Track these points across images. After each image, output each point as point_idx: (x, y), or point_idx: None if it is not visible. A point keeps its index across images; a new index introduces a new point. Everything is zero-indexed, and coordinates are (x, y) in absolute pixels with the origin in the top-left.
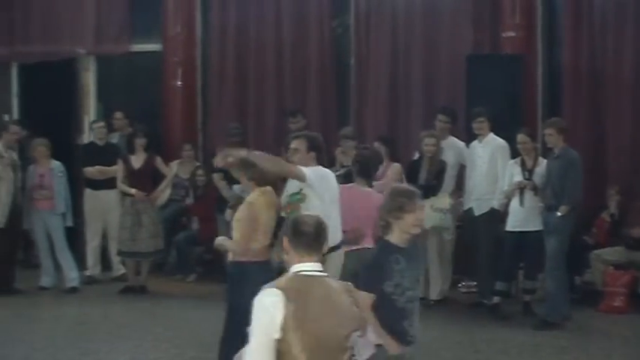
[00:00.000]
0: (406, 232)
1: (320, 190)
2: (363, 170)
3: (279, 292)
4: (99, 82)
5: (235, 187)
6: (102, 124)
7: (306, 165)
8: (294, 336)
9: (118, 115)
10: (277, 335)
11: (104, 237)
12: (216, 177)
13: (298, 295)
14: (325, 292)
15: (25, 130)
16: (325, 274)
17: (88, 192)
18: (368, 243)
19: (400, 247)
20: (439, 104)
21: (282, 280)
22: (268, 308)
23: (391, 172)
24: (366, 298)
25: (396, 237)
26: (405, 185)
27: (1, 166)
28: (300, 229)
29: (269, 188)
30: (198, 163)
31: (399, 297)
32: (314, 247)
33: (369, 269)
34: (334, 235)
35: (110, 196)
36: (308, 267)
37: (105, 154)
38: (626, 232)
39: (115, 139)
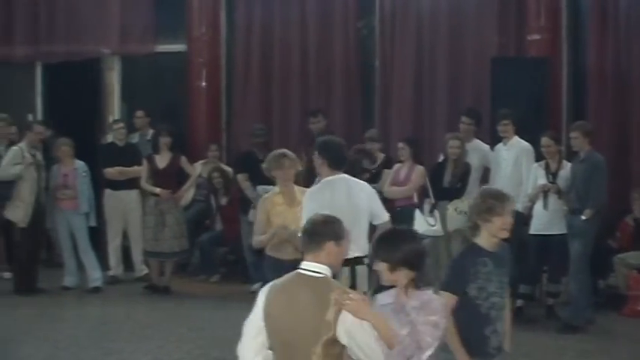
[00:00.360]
0: (494, 236)
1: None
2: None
3: (270, 284)
4: (123, 82)
5: (259, 187)
6: (121, 124)
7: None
8: (266, 329)
9: (139, 113)
10: (262, 324)
11: (125, 237)
12: (241, 177)
13: (279, 290)
14: (295, 292)
15: (50, 130)
16: (318, 274)
17: (108, 192)
18: None
19: (488, 250)
20: (464, 106)
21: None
22: (258, 298)
23: (415, 175)
24: (448, 298)
25: (484, 240)
26: (496, 187)
27: (23, 167)
28: (303, 227)
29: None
30: (215, 164)
31: (483, 302)
32: (307, 245)
33: (453, 270)
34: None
35: (131, 196)
36: (303, 264)
37: (125, 155)
38: None
39: (135, 138)
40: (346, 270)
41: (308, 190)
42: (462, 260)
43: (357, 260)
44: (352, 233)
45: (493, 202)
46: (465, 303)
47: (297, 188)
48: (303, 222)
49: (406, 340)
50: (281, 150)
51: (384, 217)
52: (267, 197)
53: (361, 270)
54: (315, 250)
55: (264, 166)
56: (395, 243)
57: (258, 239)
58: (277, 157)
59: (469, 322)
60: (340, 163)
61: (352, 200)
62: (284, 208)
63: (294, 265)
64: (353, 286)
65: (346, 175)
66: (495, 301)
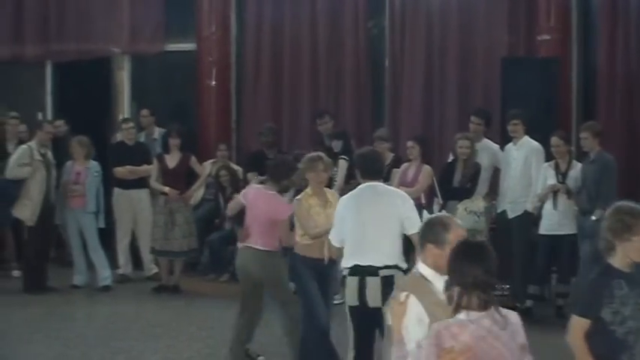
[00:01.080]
0: (629, 257)
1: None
2: (274, 174)
3: None
4: (133, 82)
5: None
6: (131, 124)
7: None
8: None
9: (144, 112)
10: None
11: (135, 236)
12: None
13: None
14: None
15: (67, 126)
16: (417, 273)
17: (118, 191)
18: (252, 242)
19: (624, 271)
20: (474, 106)
21: None
22: None
23: (422, 176)
24: (581, 323)
25: (618, 260)
26: (632, 204)
27: (31, 168)
28: None
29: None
30: (223, 163)
31: (618, 327)
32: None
33: (586, 293)
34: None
35: (140, 195)
36: None
37: (135, 154)
38: None
39: (141, 137)
40: (354, 280)
41: (341, 198)
42: (596, 282)
43: (369, 270)
44: (370, 241)
45: (631, 219)
46: (599, 328)
47: (327, 190)
48: (334, 226)
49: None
50: (317, 153)
51: (415, 227)
52: (300, 199)
53: (373, 282)
54: (420, 252)
55: (299, 166)
56: (455, 262)
57: (315, 232)
58: (312, 159)
59: (605, 348)
60: (370, 172)
61: (378, 207)
62: (319, 209)
63: (321, 262)
64: (362, 299)
65: (378, 183)
66: (632, 325)
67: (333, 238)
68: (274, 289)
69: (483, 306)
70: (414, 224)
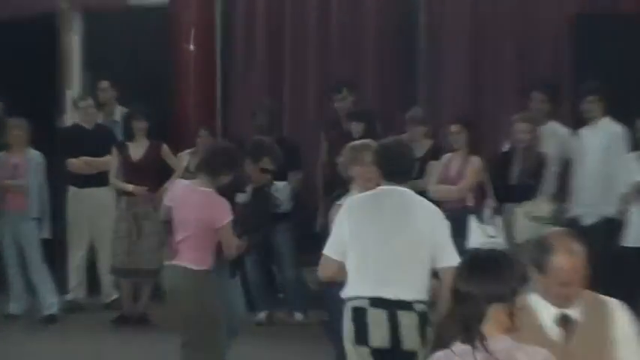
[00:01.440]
0: None
1: None
2: (208, 165)
3: None
4: (86, 46)
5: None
6: (90, 101)
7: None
8: None
9: (104, 84)
10: None
11: (92, 250)
12: None
13: None
14: None
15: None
16: None
17: (72, 191)
18: (181, 258)
19: None
20: (536, 78)
21: None
22: None
23: (470, 171)
24: None
25: None
26: None
27: None
28: None
29: None
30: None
31: None
32: None
33: None
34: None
35: (101, 195)
36: None
37: (94, 141)
38: None
39: (99, 119)
40: (382, 314)
41: (348, 199)
42: None
43: (403, 304)
44: (394, 269)
45: None
46: None
47: None
48: (333, 232)
49: None
50: (363, 140)
51: (448, 259)
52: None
53: (408, 317)
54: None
55: (339, 160)
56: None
57: None
58: (356, 148)
59: None
60: (395, 172)
61: (404, 221)
62: None
63: None
64: (395, 339)
65: (405, 189)
66: None
67: (331, 249)
68: (194, 321)
69: (467, 340)
70: (444, 254)
